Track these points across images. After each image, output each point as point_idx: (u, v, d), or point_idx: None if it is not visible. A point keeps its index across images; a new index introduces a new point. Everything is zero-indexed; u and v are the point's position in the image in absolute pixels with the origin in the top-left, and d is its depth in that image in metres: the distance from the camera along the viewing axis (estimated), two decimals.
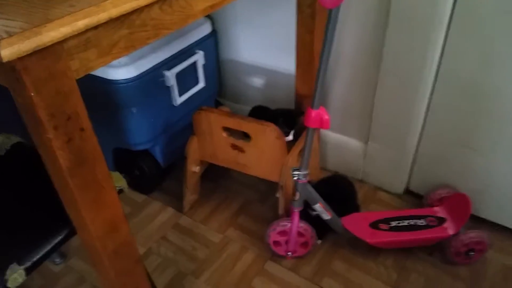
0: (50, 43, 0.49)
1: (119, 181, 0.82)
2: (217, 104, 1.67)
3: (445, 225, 1.19)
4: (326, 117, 0.96)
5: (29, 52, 0.47)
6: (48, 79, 0.52)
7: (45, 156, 0.60)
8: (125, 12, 0.56)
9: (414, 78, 1.17)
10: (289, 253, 1.21)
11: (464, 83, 1.13)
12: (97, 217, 0.67)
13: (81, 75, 0.57)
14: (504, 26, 1.00)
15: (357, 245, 1.25)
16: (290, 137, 1.25)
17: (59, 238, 0.77)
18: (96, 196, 0.65)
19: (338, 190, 1.28)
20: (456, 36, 1.08)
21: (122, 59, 1.18)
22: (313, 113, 0.96)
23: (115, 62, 1.17)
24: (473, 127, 1.18)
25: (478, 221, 1.29)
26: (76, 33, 0.51)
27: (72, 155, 0.59)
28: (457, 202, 1.20)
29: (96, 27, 0.54)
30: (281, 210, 1.25)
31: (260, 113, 1.25)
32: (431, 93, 1.20)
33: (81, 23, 0.51)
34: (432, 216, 1.22)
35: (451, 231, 1.16)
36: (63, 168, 0.59)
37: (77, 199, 0.63)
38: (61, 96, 0.54)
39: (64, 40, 0.51)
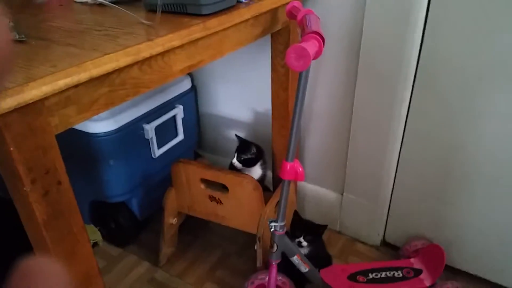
0: (31, 101, 0.51)
1: (94, 234, 0.81)
2: (196, 156, 1.68)
3: (422, 276, 1.20)
4: (301, 169, 0.98)
5: (11, 109, 0.49)
6: (27, 134, 0.54)
7: (22, 209, 0.61)
8: (105, 72, 0.59)
9: (384, 132, 1.22)
10: None
11: (430, 138, 1.18)
12: (71, 270, 0.67)
13: (60, 130, 0.58)
14: (462, 85, 1.06)
15: None
16: (239, 165, 1.28)
17: None
18: (70, 249, 0.65)
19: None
20: (421, 93, 1.14)
21: (102, 113, 1.20)
22: (288, 165, 0.98)
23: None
24: (442, 180, 1.22)
25: (454, 272, 1.31)
26: (57, 91, 0.53)
27: (48, 208, 0.60)
28: (432, 253, 1.22)
29: (76, 86, 0.57)
30: (259, 263, 1.24)
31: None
32: (401, 147, 1.24)
33: (62, 82, 0.53)
34: (408, 268, 1.23)
35: (427, 283, 1.17)
36: (39, 221, 0.59)
37: (52, 252, 0.63)
38: (40, 151, 0.56)
39: (45, 97, 0.53)
